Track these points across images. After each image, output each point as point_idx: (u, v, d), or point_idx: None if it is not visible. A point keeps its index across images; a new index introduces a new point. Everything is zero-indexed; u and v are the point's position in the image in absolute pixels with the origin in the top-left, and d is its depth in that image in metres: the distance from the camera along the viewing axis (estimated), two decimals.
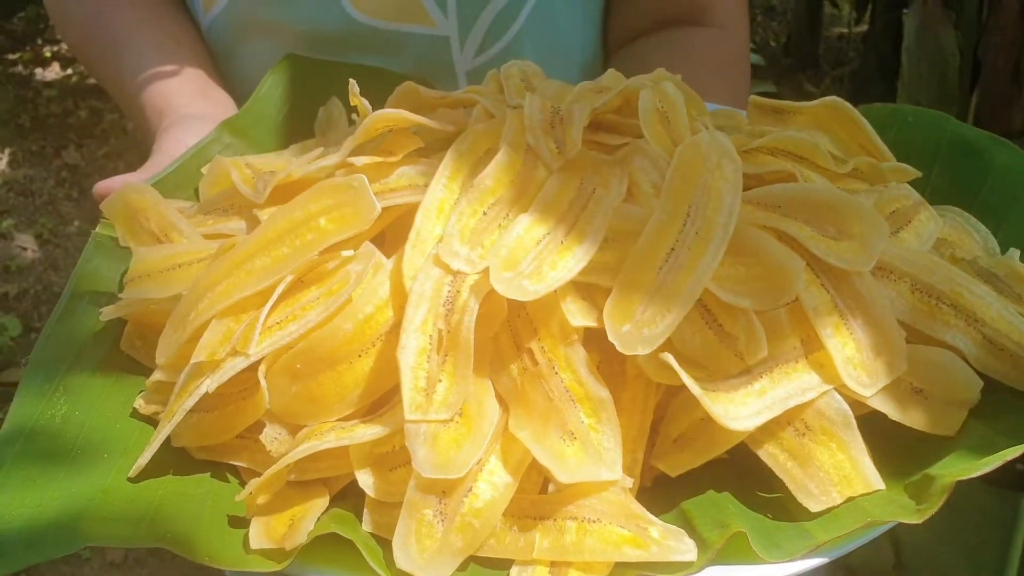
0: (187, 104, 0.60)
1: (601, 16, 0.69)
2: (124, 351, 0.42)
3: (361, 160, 0.40)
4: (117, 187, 0.47)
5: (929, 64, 1.34)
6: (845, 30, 2.39)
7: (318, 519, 0.33)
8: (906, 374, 0.35)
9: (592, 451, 0.33)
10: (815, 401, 0.34)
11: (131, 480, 0.36)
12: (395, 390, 0.34)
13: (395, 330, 0.35)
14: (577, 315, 0.34)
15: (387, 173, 0.40)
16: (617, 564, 0.32)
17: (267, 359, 0.35)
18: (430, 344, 0.34)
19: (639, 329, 0.33)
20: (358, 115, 0.45)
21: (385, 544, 0.33)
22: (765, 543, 0.32)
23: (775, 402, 0.34)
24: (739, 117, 0.48)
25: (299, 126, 0.57)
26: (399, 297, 0.35)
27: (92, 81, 2.17)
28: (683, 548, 0.32)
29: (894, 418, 0.35)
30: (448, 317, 0.34)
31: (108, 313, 0.41)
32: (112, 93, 0.69)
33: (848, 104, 0.46)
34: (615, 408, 0.34)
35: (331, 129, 0.55)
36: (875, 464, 0.34)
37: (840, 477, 0.34)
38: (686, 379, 0.33)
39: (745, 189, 0.37)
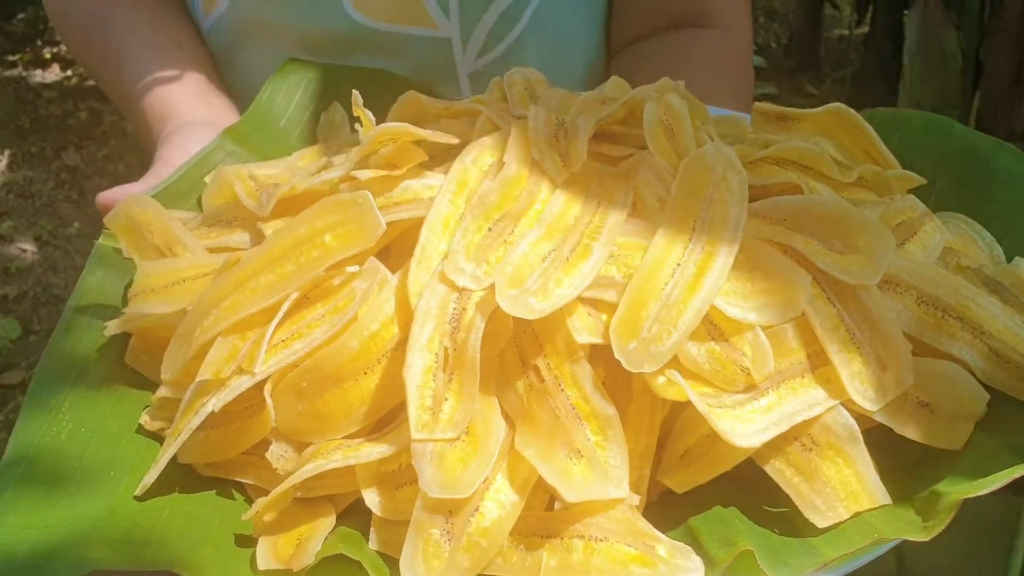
0: (189, 110, 0.60)
1: (604, 18, 0.69)
2: (129, 365, 0.41)
3: (365, 174, 0.40)
4: (120, 198, 0.47)
5: (931, 66, 1.34)
6: (846, 32, 2.39)
7: (325, 538, 0.33)
8: (912, 388, 0.35)
9: (599, 469, 0.33)
10: (822, 416, 0.34)
11: (137, 499, 0.36)
12: (401, 407, 0.34)
13: (401, 347, 0.34)
14: (583, 332, 0.34)
15: (391, 187, 0.40)
16: None
17: (273, 377, 0.35)
18: (436, 362, 0.34)
19: (646, 346, 0.33)
20: (360, 124, 0.44)
21: (392, 563, 0.33)
22: (773, 561, 0.32)
23: (782, 418, 0.34)
24: (743, 124, 0.48)
25: (301, 131, 0.57)
26: (404, 314, 0.35)
27: (92, 83, 2.16)
28: (691, 566, 0.32)
29: (900, 432, 0.35)
30: (454, 335, 0.34)
31: (112, 328, 0.41)
32: (112, 97, 0.69)
33: (852, 110, 0.46)
34: (621, 425, 0.34)
35: (333, 134, 0.55)
36: (881, 479, 0.34)
37: (847, 492, 0.34)
38: (692, 396, 0.33)
39: (750, 201, 0.37)
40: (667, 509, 0.35)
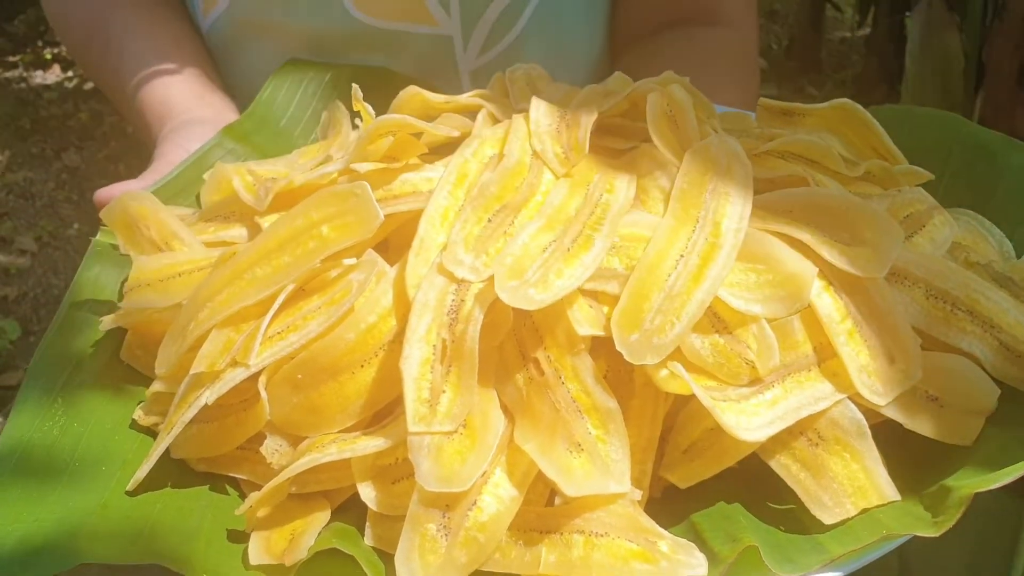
0: (188, 109, 0.60)
1: (607, 15, 0.68)
2: (124, 361, 0.41)
3: (364, 166, 0.40)
4: (117, 195, 0.46)
5: (933, 67, 1.34)
6: (847, 34, 2.39)
7: (319, 533, 0.33)
8: (921, 382, 0.34)
9: (600, 463, 0.32)
10: (828, 410, 0.33)
11: (129, 494, 0.35)
12: (398, 401, 0.33)
13: (398, 340, 0.34)
14: (584, 324, 0.33)
15: (390, 179, 0.40)
16: None
17: (268, 370, 0.35)
18: (434, 354, 0.33)
19: (648, 338, 0.33)
20: (361, 120, 0.44)
21: (387, 559, 0.32)
22: (778, 557, 0.31)
23: (787, 412, 0.33)
24: (748, 120, 0.48)
25: (302, 130, 0.56)
26: (402, 306, 0.35)
27: (93, 84, 2.17)
28: (693, 563, 0.31)
29: (909, 427, 0.34)
30: (452, 327, 0.33)
31: (108, 323, 0.41)
32: (112, 97, 0.69)
33: (858, 106, 0.45)
34: (623, 418, 0.33)
35: (334, 133, 0.54)
36: (890, 475, 0.33)
37: (854, 488, 0.33)
38: (696, 389, 0.32)
39: (756, 193, 0.37)
40: (670, 505, 0.34)
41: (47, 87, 2.30)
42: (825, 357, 0.34)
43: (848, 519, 0.33)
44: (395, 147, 0.41)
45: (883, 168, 0.43)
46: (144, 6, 0.66)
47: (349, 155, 0.41)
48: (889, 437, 0.34)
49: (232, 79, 0.66)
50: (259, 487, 0.34)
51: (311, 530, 0.33)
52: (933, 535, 0.30)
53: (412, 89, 0.46)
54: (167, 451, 0.35)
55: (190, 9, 0.67)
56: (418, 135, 0.42)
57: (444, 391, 0.32)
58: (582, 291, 0.34)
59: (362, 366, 0.34)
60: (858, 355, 0.34)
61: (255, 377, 0.34)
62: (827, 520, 0.33)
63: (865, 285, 0.35)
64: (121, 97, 0.64)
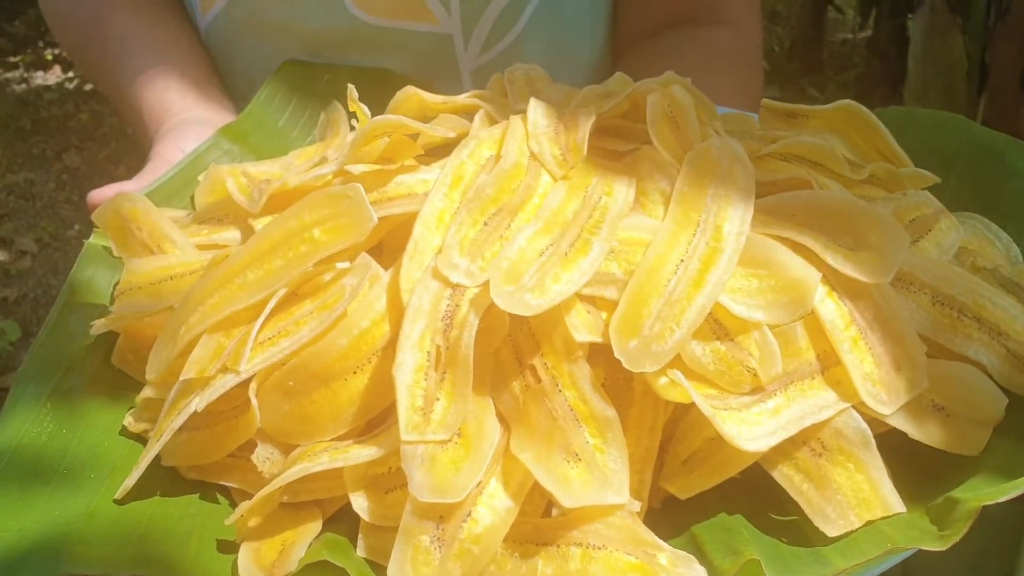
0: (185, 108, 0.60)
1: (609, 14, 0.68)
2: (115, 365, 0.40)
3: (358, 168, 0.39)
4: (109, 196, 0.46)
5: (936, 69, 1.33)
6: (849, 35, 2.38)
7: (310, 544, 0.32)
8: (927, 391, 0.33)
9: (597, 473, 0.31)
10: (832, 419, 0.33)
11: (117, 502, 0.34)
12: (392, 408, 0.33)
13: (391, 346, 0.33)
14: (582, 330, 0.33)
15: (385, 181, 0.39)
16: None
17: (259, 376, 0.34)
18: (428, 361, 0.32)
19: (647, 345, 0.32)
20: (358, 121, 0.43)
21: (380, 570, 0.31)
22: (780, 570, 0.31)
23: (790, 421, 0.32)
24: (751, 122, 0.47)
25: (299, 131, 0.56)
26: (396, 311, 0.34)
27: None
28: None
29: (915, 437, 0.33)
30: (447, 332, 0.32)
31: (98, 327, 0.40)
32: (110, 97, 0.68)
33: (863, 107, 0.45)
34: (621, 427, 0.32)
35: (332, 134, 0.54)
36: (895, 485, 0.33)
37: (858, 500, 0.32)
38: (696, 397, 0.31)
39: (758, 197, 0.36)
40: (669, 516, 0.34)
41: (48, 88, 2.30)
42: (829, 365, 0.33)
43: (852, 531, 0.32)
44: (391, 148, 0.41)
45: (888, 171, 0.42)
46: (142, 6, 0.65)
47: (344, 156, 0.40)
48: (894, 447, 0.33)
49: (230, 78, 0.66)
50: (250, 496, 0.33)
51: (302, 541, 0.32)
52: (939, 549, 0.30)
53: (409, 90, 0.46)
54: (157, 458, 0.35)
55: (188, 8, 0.67)
56: (414, 136, 0.41)
57: (438, 399, 0.32)
58: (580, 296, 0.33)
59: (355, 372, 0.34)
60: (862, 363, 0.33)
61: (246, 384, 0.34)
62: (831, 532, 0.32)
63: (870, 291, 0.34)
64: (119, 97, 0.64)
